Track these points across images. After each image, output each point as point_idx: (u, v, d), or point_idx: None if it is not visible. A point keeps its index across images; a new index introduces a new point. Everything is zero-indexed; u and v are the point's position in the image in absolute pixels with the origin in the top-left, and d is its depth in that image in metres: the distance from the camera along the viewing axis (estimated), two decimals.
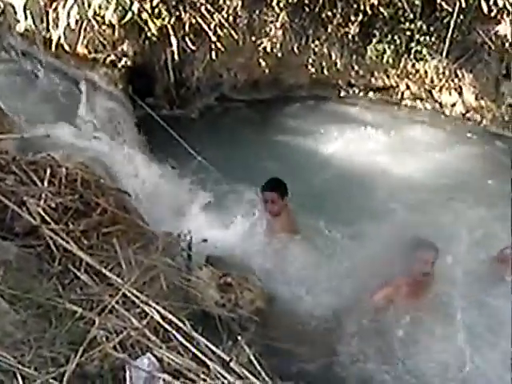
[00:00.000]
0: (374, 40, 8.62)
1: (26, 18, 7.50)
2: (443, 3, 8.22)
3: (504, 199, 5.98)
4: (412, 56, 8.62)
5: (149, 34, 7.94)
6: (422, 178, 7.08)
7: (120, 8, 7.57)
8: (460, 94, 8.79)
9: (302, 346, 4.08)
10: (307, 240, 5.18)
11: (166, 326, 3.07)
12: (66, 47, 7.71)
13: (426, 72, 8.75)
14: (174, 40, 8.08)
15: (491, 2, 8.02)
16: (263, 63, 8.72)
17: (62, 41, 7.64)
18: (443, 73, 8.65)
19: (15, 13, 7.55)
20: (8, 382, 2.53)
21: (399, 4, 8.32)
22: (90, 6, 7.52)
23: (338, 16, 8.51)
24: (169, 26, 7.94)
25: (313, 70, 9.04)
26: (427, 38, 8.44)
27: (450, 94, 8.86)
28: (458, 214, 5.53)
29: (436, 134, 8.51)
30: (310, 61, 8.93)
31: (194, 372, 2.81)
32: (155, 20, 7.81)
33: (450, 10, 8.15)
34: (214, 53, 8.40)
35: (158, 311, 3.14)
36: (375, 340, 4.09)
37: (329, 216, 5.62)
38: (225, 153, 7.12)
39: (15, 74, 7.25)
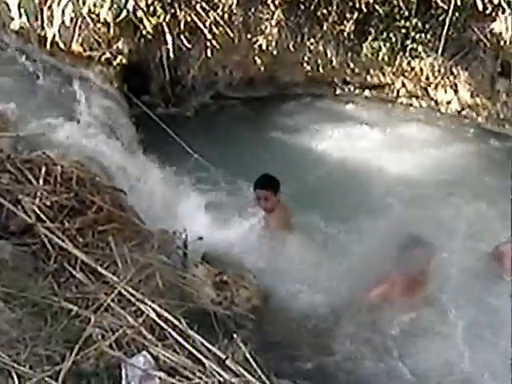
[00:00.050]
0: (370, 38, 8.62)
1: (20, 15, 7.47)
2: (438, 1, 8.23)
3: (501, 195, 5.99)
4: (407, 54, 8.63)
5: (144, 32, 7.93)
6: (417, 175, 7.08)
7: (115, 6, 7.56)
8: (455, 91, 8.80)
9: (298, 344, 4.08)
10: (303, 237, 5.19)
11: (162, 324, 3.06)
12: (61, 45, 7.69)
13: (421, 70, 8.75)
14: (169, 38, 8.07)
15: (486, 0, 8.02)
16: (259, 61, 8.72)
17: (57, 39, 7.63)
18: (439, 70, 8.65)
19: (9, 10, 7.53)
20: (3, 380, 2.52)
21: (394, 2, 8.33)
22: (84, 3, 7.50)
23: (334, 14, 8.51)
24: (164, 24, 7.93)
25: (308, 67, 9.04)
26: (422, 35, 8.45)
27: (445, 91, 8.87)
28: (456, 209, 5.55)
29: (431, 131, 8.52)
30: (306, 58, 8.93)
31: (189, 370, 2.80)
32: (150, 18, 7.80)
33: (446, 7, 8.15)
34: (209, 51, 8.39)
35: (153, 309, 3.13)
36: (371, 338, 4.09)
37: (325, 213, 5.64)
38: (220, 150, 7.11)
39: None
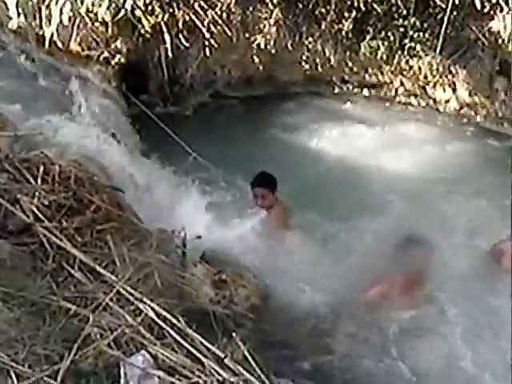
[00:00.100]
0: (368, 36, 8.62)
1: (18, 14, 7.46)
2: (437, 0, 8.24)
3: (499, 193, 6.01)
4: (406, 52, 8.63)
5: (142, 31, 7.92)
6: (416, 173, 7.09)
7: (113, 5, 7.55)
8: (454, 90, 8.80)
9: (297, 343, 4.08)
10: (302, 235, 5.19)
11: (161, 323, 3.06)
12: (59, 44, 7.68)
13: (419, 68, 8.76)
14: (167, 37, 8.07)
15: None
16: (257, 60, 8.72)
17: (55, 38, 7.62)
18: (437, 69, 8.66)
19: (7, 9, 7.52)
20: (2, 380, 2.52)
21: (393, 0, 8.33)
22: (82, 2, 7.49)
23: (332, 12, 8.51)
24: (162, 23, 7.93)
25: (307, 66, 9.04)
26: (421, 34, 8.45)
27: (443, 90, 8.87)
28: (455, 207, 5.56)
29: (430, 130, 8.52)
30: (304, 57, 8.94)
31: (188, 369, 2.80)
32: (148, 17, 7.80)
33: (444, 6, 8.16)
34: (207, 50, 8.40)
35: (152, 308, 3.13)
36: (370, 337, 4.09)
37: (324, 211, 5.65)
38: (219, 150, 7.11)
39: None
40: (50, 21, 7.57)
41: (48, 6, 7.57)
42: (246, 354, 3.02)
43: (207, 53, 8.43)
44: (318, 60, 8.98)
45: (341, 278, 4.66)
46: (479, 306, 4.22)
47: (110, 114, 7.09)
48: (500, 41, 8.11)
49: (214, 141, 7.46)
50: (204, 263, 4.20)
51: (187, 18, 8.06)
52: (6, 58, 7.57)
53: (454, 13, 8.18)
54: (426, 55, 8.59)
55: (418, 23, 8.41)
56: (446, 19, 8.14)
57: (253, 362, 2.98)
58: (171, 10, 7.93)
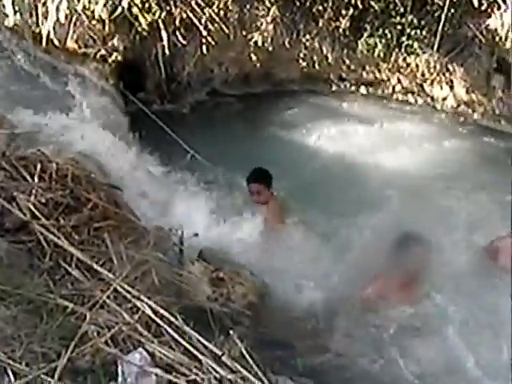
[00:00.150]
0: (365, 34, 8.64)
1: (15, 12, 7.44)
2: None
3: (497, 190, 6.01)
4: (403, 50, 8.65)
5: (139, 29, 7.93)
6: (413, 170, 7.10)
7: (110, 2, 7.54)
8: (451, 87, 8.81)
9: (295, 340, 4.07)
10: (299, 231, 5.19)
11: (158, 321, 3.06)
12: (56, 42, 7.67)
13: (417, 66, 8.77)
14: (164, 35, 8.07)
15: None
16: (254, 57, 8.72)
17: (52, 35, 7.60)
18: (434, 67, 8.67)
19: (4, 7, 7.50)
20: None
21: None
22: (79, 0, 7.48)
23: (329, 10, 8.52)
24: (159, 21, 7.93)
25: (304, 64, 9.05)
26: (418, 31, 8.47)
27: (441, 87, 8.89)
28: (453, 203, 5.56)
29: (427, 127, 8.53)
30: (301, 55, 8.95)
31: (185, 366, 2.80)
32: (146, 15, 7.79)
33: (441, 3, 8.18)
34: (204, 47, 8.40)
35: (149, 306, 3.12)
36: (368, 335, 4.08)
37: (322, 208, 5.65)
38: (216, 147, 7.10)
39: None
40: (46, 18, 7.55)
41: (44, 4, 7.56)
42: (244, 351, 3.02)
43: (204, 50, 8.43)
44: (315, 58, 8.99)
45: (339, 275, 4.65)
46: (477, 304, 4.20)
47: (107, 111, 7.08)
48: (497, 38, 8.12)
49: (211, 138, 7.46)
50: (201, 261, 4.20)
51: (184, 15, 8.06)
52: (3, 55, 7.55)
53: (452, 10, 8.20)
54: (424, 53, 8.60)
55: (415, 21, 8.43)
56: (443, 17, 8.15)
57: (250, 360, 2.97)
58: (168, 8, 7.93)
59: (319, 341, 4.12)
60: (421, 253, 4.22)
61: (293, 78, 9.38)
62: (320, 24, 8.68)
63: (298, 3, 8.57)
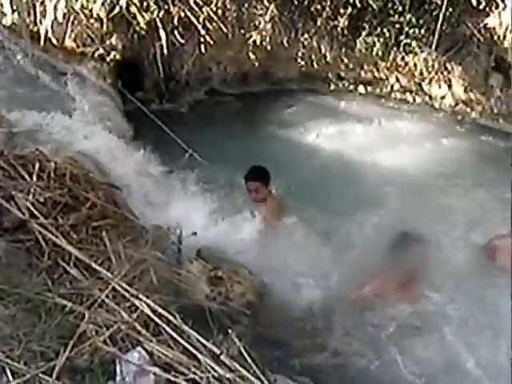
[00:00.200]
0: (364, 33, 8.65)
1: (12, 11, 7.43)
2: None
3: (496, 189, 6.01)
4: (401, 49, 8.65)
5: (137, 28, 7.92)
6: (412, 168, 7.10)
7: (108, 1, 7.53)
8: (449, 86, 8.82)
9: (293, 339, 4.08)
10: (298, 229, 5.19)
11: (157, 320, 3.06)
12: (54, 41, 7.66)
13: (415, 65, 8.78)
14: (162, 33, 8.06)
15: None
16: (252, 56, 8.72)
17: (50, 34, 7.59)
18: (432, 65, 8.68)
19: (1, 6, 7.48)
20: None
21: None
22: None
23: (327, 9, 8.52)
24: (157, 20, 7.92)
25: (302, 63, 9.06)
26: (416, 30, 8.47)
27: (439, 86, 8.89)
28: (451, 202, 5.57)
29: (425, 126, 8.54)
30: (300, 54, 8.95)
31: (184, 365, 2.80)
32: (144, 13, 7.79)
33: (439, 2, 8.18)
34: (203, 46, 8.40)
35: (148, 305, 3.12)
36: (367, 334, 4.08)
37: (321, 206, 5.65)
38: (215, 146, 7.10)
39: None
40: (44, 17, 7.54)
41: (42, 3, 7.54)
42: (242, 350, 3.02)
43: (202, 49, 8.43)
44: (313, 56, 9.00)
45: (338, 273, 4.65)
46: (476, 303, 4.21)
47: (106, 110, 7.08)
48: (495, 37, 8.13)
49: (210, 138, 7.45)
50: (200, 260, 4.20)
51: (182, 14, 8.06)
52: (1, 54, 7.54)
53: (450, 9, 8.21)
54: (422, 52, 8.61)
55: (413, 19, 8.43)
56: (441, 15, 8.16)
57: (248, 359, 2.97)
58: (166, 7, 7.93)
59: (318, 339, 4.13)
60: (420, 252, 4.22)
61: (291, 77, 9.38)
62: (318, 23, 8.68)
63: (296, 2, 8.57)
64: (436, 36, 8.33)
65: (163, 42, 8.12)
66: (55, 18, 7.51)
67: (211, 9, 8.19)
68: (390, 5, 8.44)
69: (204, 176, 6.09)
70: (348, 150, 7.52)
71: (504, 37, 7.99)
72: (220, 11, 8.27)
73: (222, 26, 8.30)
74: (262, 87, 9.33)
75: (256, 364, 2.97)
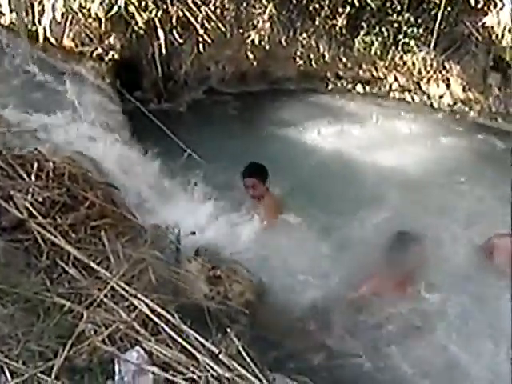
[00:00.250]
0: (362, 32, 8.65)
1: (11, 10, 7.42)
2: None
3: (494, 187, 6.01)
4: (400, 48, 8.66)
5: (136, 28, 7.92)
6: (411, 167, 7.10)
7: (106, 1, 7.53)
8: (448, 85, 8.82)
9: (292, 338, 4.08)
10: (297, 229, 5.20)
11: (155, 319, 3.06)
12: (53, 40, 7.65)
13: (413, 64, 8.78)
14: (161, 33, 8.07)
15: None
16: (251, 56, 8.72)
17: (48, 34, 7.59)
18: (431, 65, 8.68)
19: (0, 5, 7.49)
20: None
21: None
22: None
23: (326, 8, 8.53)
24: (156, 19, 7.93)
25: (301, 62, 9.06)
26: (415, 29, 8.47)
27: (437, 85, 8.89)
28: (449, 201, 5.57)
29: (424, 125, 8.53)
30: (298, 53, 8.95)
31: (183, 364, 2.80)
32: (142, 13, 7.79)
33: (438, 1, 8.19)
34: (201, 46, 8.40)
35: (146, 304, 3.12)
36: (365, 333, 4.08)
37: (320, 205, 5.65)
38: (213, 146, 7.10)
39: None
40: (42, 17, 7.54)
41: (41, 2, 7.55)
42: (241, 349, 3.02)
43: (201, 49, 8.43)
44: (312, 56, 9.00)
45: (337, 273, 4.65)
46: (475, 303, 4.20)
47: (104, 110, 7.07)
48: (494, 36, 8.13)
49: (208, 137, 7.45)
50: (198, 259, 4.20)
51: (181, 13, 8.07)
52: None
53: (448, 8, 8.21)
54: (420, 51, 8.61)
55: (412, 19, 8.44)
56: (439, 15, 8.17)
57: (247, 358, 2.98)
58: (165, 6, 7.94)
59: (316, 339, 4.12)
60: (419, 252, 4.23)
61: (289, 76, 9.38)
62: (317, 22, 8.69)
63: (294, 1, 8.58)
64: (434, 35, 8.34)
65: (162, 41, 8.13)
66: (53, 18, 7.52)
67: (209, 8, 8.19)
68: (388, 4, 8.45)
69: (202, 175, 6.09)
70: (347, 149, 7.52)
71: (502, 36, 8.00)
72: (218, 11, 8.28)
73: (220, 25, 8.30)
74: (260, 86, 9.33)
75: (255, 363, 2.98)
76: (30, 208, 3.68)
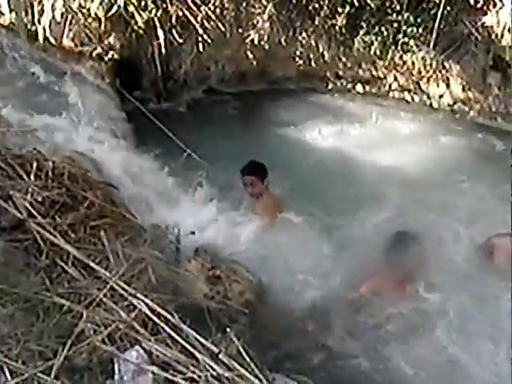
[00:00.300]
0: (362, 32, 8.64)
1: (10, 10, 7.42)
2: None
3: (493, 187, 6.01)
4: (399, 48, 8.65)
5: (135, 27, 7.92)
6: (411, 167, 7.09)
7: (106, 1, 7.53)
8: (447, 85, 8.82)
9: (292, 338, 4.08)
10: (296, 228, 5.19)
11: (155, 319, 3.06)
12: (52, 40, 7.65)
13: (413, 63, 8.77)
14: (160, 33, 8.07)
15: None
16: (251, 55, 8.72)
17: (48, 34, 7.59)
18: (430, 64, 8.67)
19: None
20: None
21: None
22: None
23: (325, 8, 8.52)
24: (155, 19, 7.92)
25: (300, 62, 9.05)
26: (414, 29, 8.46)
27: (437, 85, 8.89)
28: (447, 201, 5.57)
29: (424, 125, 8.53)
30: (298, 53, 8.95)
31: (182, 364, 2.80)
32: (142, 13, 7.79)
33: (437, 1, 8.18)
34: (201, 45, 8.39)
35: (146, 304, 3.12)
36: (366, 333, 4.08)
37: (320, 205, 5.64)
38: (213, 146, 7.10)
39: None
40: (42, 16, 7.53)
41: (40, 2, 7.55)
42: (241, 349, 3.02)
43: (201, 48, 8.43)
44: (311, 55, 9.00)
45: (337, 272, 4.65)
46: (475, 303, 4.20)
47: (104, 109, 7.07)
48: (493, 36, 8.12)
49: (208, 137, 7.44)
50: (198, 259, 4.20)
51: (180, 13, 8.06)
52: None
53: (448, 8, 8.20)
54: (420, 50, 8.60)
55: (411, 18, 8.43)
56: (439, 14, 8.16)
57: (247, 357, 2.97)
58: (164, 6, 7.93)
59: (316, 339, 4.12)
60: (419, 252, 4.23)
61: (289, 76, 9.38)
62: (316, 22, 8.68)
63: (294, 1, 8.57)
64: (434, 35, 8.33)
65: (161, 41, 8.13)
66: (53, 18, 7.51)
67: (209, 8, 8.19)
68: (387, 3, 8.44)
69: (202, 175, 6.08)
70: (347, 148, 7.52)
71: (502, 35, 7.99)
72: (218, 10, 8.28)
73: (219, 25, 8.30)
74: (260, 86, 9.33)
75: (254, 363, 2.98)
76: (30, 208, 3.68)
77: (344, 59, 9.06)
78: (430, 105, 9.07)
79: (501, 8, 7.98)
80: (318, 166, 6.91)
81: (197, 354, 2.87)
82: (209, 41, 8.35)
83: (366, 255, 4.57)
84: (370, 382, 3.78)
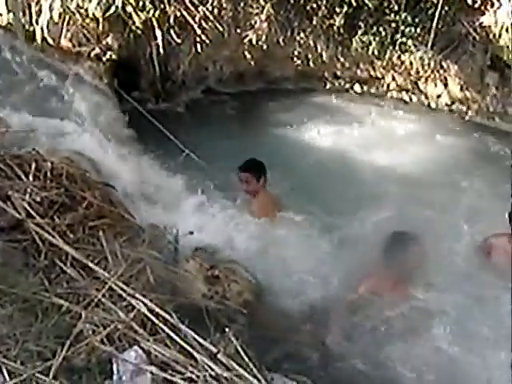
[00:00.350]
0: (359, 32, 8.64)
1: (8, 11, 7.41)
2: None
3: (491, 186, 6.02)
4: (397, 47, 8.65)
5: (133, 28, 7.91)
6: (409, 167, 7.09)
7: (104, 1, 7.53)
8: (445, 85, 8.82)
9: (290, 338, 4.08)
10: (295, 229, 5.19)
11: (153, 319, 3.06)
12: (50, 41, 7.65)
13: (411, 63, 8.77)
14: (158, 33, 8.06)
15: None
16: (249, 56, 8.72)
17: (46, 34, 7.58)
18: (428, 64, 8.67)
19: None
20: None
21: None
22: None
23: (323, 8, 8.52)
24: (153, 19, 7.91)
25: (298, 62, 9.05)
26: (412, 29, 8.46)
27: (435, 85, 8.89)
28: (446, 201, 5.58)
29: (422, 125, 8.54)
30: (296, 53, 8.94)
31: (181, 364, 2.80)
32: (139, 13, 7.78)
33: (435, 1, 8.18)
34: (199, 46, 8.39)
35: (145, 304, 3.12)
36: (364, 334, 4.08)
37: (319, 205, 5.64)
38: (211, 146, 7.10)
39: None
40: (39, 17, 7.53)
41: (38, 2, 7.54)
42: (239, 349, 3.02)
43: (199, 49, 8.42)
44: (309, 55, 9.00)
45: (336, 272, 4.65)
46: (474, 303, 4.20)
47: (102, 110, 7.07)
48: (491, 35, 8.12)
49: (206, 137, 7.44)
50: (197, 259, 4.20)
51: (178, 13, 8.06)
52: None
53: (446, 8, 8.21)
54: (418, 50, 8.60)
55: (409, 18, 8.43)
56: (437, 14, 8.16)
57: (245, 357, 2.98)
58: (162, 6, 7.92)
59: (315, 338, 4.13)
60: (417, 251, 4.23)
61: (287, 76, 9.38)
62: (314, 22, 8.68)
63: (292, 1, 8.57)
64: (432, 35, 8.33)
65: (159, 41, 8.12)
66: (51, 18, 7.51)
67: (207, 8, 8.19)
68: (385, 3, 8.44)
69: (200, 175, 6.09)
70: (345, 148, 7.53)
71: (499, 35, 7.99)
72: (216, 10, 8.27)
73: (217, 25, 8.30)
74: (258, 86, 9.33)
75: (253, 363, 2.98)
76: (28, 208, 3.68)
77: (342, 59, 9.06)
78: (428, 105, 9.08)
79: (498, 8, 7.98)
80: (317, 166, 6.91)
81: (195, 354, 2.87)
82: (207, 41, 8.35)
83: (365, 255, 4.57)
84: (368, 381, 3.78)
